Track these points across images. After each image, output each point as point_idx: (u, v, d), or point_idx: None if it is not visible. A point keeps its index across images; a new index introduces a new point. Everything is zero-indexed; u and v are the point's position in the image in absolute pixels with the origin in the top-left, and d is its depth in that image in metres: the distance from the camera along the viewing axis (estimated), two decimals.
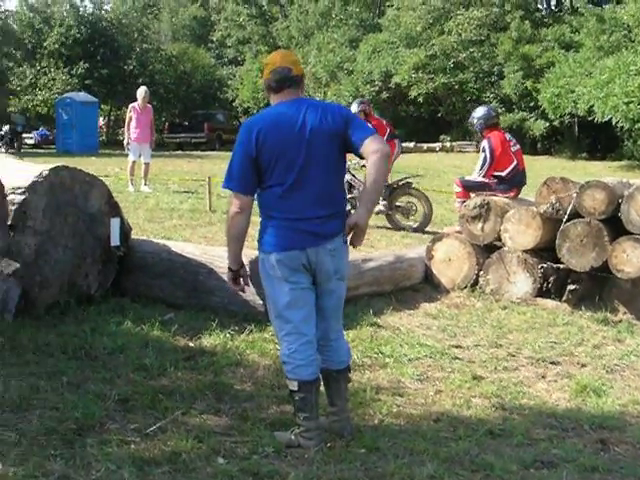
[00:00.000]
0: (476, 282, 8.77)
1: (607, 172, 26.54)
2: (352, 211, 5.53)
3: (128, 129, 17.39)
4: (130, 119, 17.27)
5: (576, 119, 37.11)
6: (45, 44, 46.74)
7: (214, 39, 62.60)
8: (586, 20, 37.82)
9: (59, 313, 7.01)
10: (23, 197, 6.75)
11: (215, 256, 7.35)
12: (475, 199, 9.08)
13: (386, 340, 6.93)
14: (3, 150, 30.26)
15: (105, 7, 54.56)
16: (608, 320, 7.97)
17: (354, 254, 6.28)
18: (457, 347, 6.95)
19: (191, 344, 6.52)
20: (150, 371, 5.76)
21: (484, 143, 10.29)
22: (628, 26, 34.09)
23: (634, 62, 29.11)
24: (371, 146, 4.52)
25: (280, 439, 4.69)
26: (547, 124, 37.91)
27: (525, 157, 10.81)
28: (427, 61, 42.16)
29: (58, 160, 12.40)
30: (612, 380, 6.37)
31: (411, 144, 39.03)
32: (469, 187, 10.35)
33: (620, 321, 8.00)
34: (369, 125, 5.01)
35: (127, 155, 17.61)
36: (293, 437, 4.67)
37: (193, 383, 5.57)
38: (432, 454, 4.61)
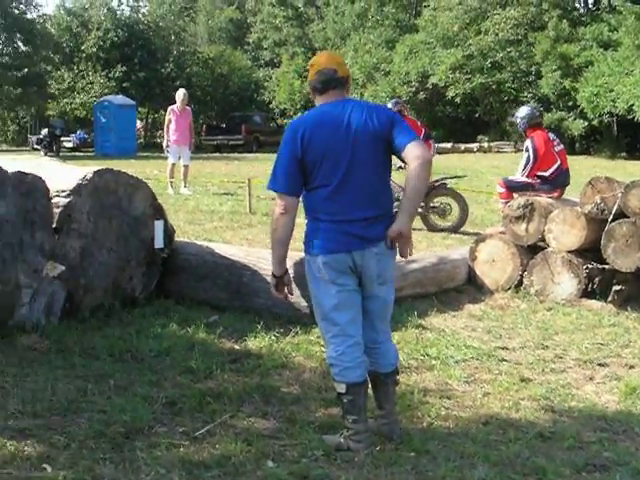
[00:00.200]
0: (520, 283, 8.68)
1: None
2: None
3: (167, 131, 17.47)
4: (169, 121, 17.35)
5: (615, 118, 36.89)
6: (83, 48, 47.31)
7: (250, 41, 62.88)
8: (624, 18, 37.57)
9: (104, 316, 7.06)
10: (68, 200, 6.79)
11: (259, 257, 7.35)
12: (519, 199, 8.99)
13: (432, 342, 6.87)
14: (42, 153, 30.54)
15: (142, 10, 55.17)
16: None
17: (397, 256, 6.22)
18: (503, 349, 6.87)
19: (236, 346, 6.52)
20: (196, 374, 5.77)
21: (527, 143, 10.24)
22: None
23: None
24: (414, 151, 4.46)
25: (329, 442, 4.65)
26: (586, 124, 37.75)
27: None
28: (464, 61, 42.18)
29: (97, 163, 12.50)
30: None
31: (449, 145, 39.05)
32: (512, 188, 10.28)
33: None
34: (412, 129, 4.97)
35: (166, 158, 17.72)
36: (342, 440, 4.63)
37: (240, 386, 5.56)
38: (483, 457, 4.55)
